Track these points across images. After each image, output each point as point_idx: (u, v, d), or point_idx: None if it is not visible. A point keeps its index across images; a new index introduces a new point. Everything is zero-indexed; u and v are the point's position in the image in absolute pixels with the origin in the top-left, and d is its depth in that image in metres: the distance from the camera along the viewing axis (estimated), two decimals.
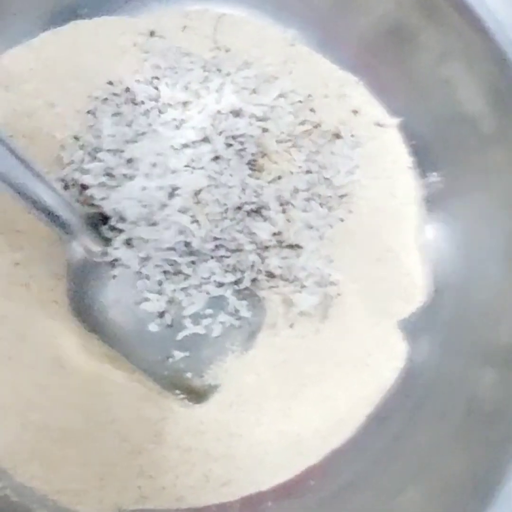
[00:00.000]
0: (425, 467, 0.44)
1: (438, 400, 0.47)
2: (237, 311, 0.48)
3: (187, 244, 0.46)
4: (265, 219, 0.48)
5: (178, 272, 0.47)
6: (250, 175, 0.48)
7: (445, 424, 0.45)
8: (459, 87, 0.50)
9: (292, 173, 0.50)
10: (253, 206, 0.48)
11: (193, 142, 0.48)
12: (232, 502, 0.46)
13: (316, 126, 0.53)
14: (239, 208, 0.48)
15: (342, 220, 0.51)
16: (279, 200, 0.49)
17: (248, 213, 0.48)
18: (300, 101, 0.53)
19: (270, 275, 0.49)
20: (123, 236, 0.46)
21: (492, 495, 0.38)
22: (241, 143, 0.49)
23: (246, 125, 0.49)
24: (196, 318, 0.47)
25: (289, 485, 0.46)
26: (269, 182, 0.49)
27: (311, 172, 0.51)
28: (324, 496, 0.46)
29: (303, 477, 0.46)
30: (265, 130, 0.50)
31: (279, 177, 0.49)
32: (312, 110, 0.53)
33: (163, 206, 0.46)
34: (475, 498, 0.39)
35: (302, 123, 0.52)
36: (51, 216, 0.43)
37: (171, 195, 0.47)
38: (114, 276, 0.46)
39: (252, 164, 0.49)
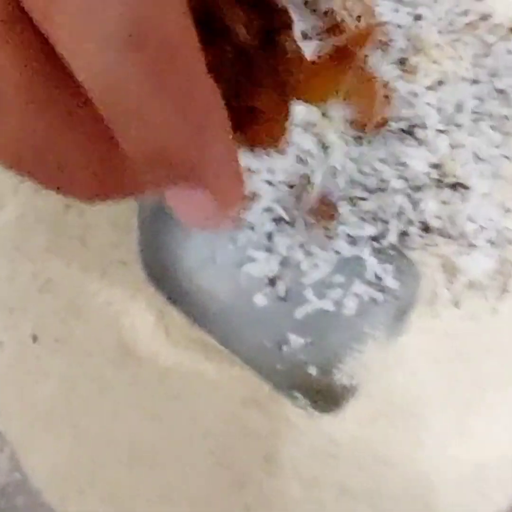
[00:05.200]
0: None
1: None
2: (379, 279, 0.40)
3: None
4: (420, 142, 0.39)
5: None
6: (400, 77, 0.39)
7: None
8: None
9: (457, 77, 0.40)
10: (404, 124, 0.38)
11: None
12: None
13: (484, 18, 0.42)
14: (381, 124, 0.38)
15: None
16: (441, 114, 0.39)
17: (396, 133, 0.39)
18: None
19: (426, 228, 0.40)
20: None
21: None
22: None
23: (390, 11, 0.40)
24: (321, 288, 0.39)
25: None
26: (428, 88, 0.39)
27: (478, 82, 0.41)
28: None
29: None
30: (417, 17, 0.40)
31: (441, 83, 0.39)
32: None
33: None
34: None
35: (464, 13, 0.42)
36: None
37: None
38: None
39: (401, 63, 0.40)
